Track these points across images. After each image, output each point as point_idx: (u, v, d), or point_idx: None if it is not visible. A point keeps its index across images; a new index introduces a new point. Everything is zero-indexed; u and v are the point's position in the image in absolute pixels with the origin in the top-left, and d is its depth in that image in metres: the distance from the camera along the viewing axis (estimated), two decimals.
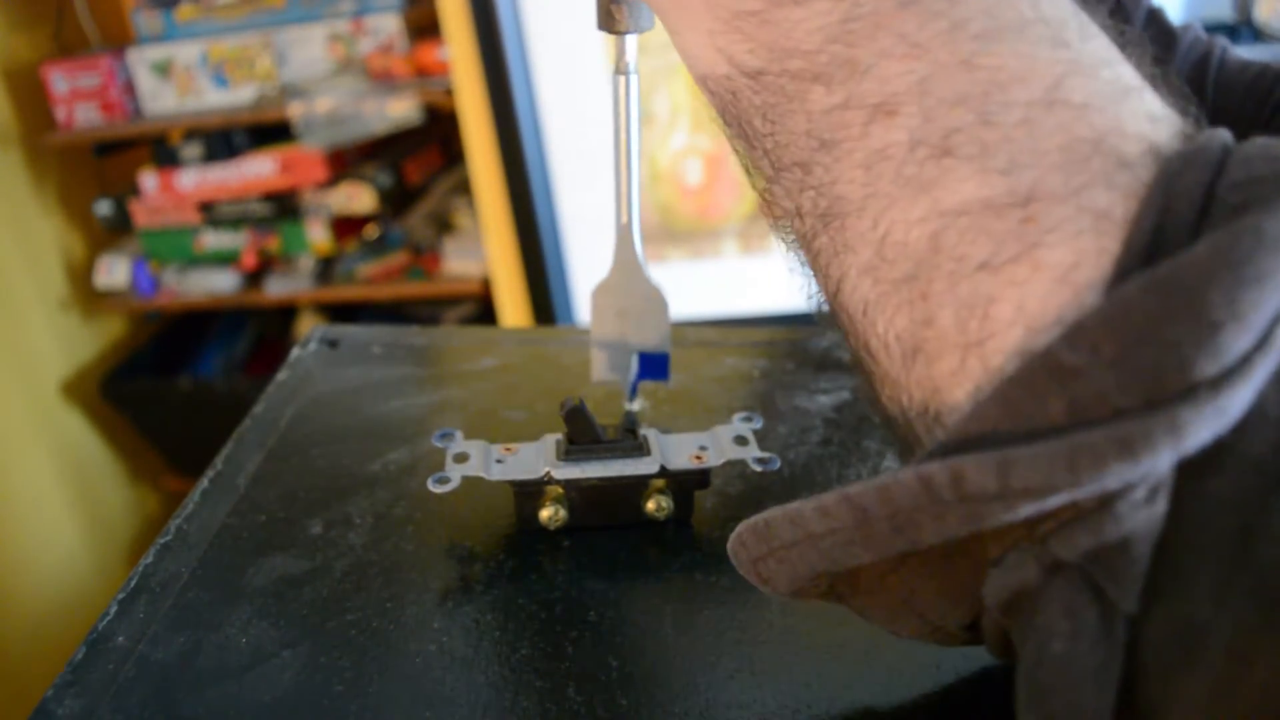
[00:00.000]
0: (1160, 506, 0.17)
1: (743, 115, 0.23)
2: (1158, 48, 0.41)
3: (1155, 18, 0.41)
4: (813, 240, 0.22)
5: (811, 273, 0.23)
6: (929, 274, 0.19)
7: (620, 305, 0.38)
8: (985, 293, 0.18)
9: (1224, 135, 0.19)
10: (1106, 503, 0.16)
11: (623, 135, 0.35)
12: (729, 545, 0.22)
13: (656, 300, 0.38)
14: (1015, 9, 0.20)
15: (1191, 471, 0.16)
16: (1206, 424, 0.16)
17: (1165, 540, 0.17)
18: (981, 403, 0.17)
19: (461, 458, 0.34)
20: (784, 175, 0.22)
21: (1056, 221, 0.18)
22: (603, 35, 0.31)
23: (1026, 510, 0.17)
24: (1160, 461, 0.16)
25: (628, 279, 0.38)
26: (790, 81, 0.21)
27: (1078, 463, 0.16)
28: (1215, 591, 0.16)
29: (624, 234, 0.37)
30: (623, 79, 0.34)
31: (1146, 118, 0.19)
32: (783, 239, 0.25)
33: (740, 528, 0.21)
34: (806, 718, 0.27)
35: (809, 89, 0.21)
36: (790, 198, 0.22)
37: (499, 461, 0.34)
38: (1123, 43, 0.21)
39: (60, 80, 1.49)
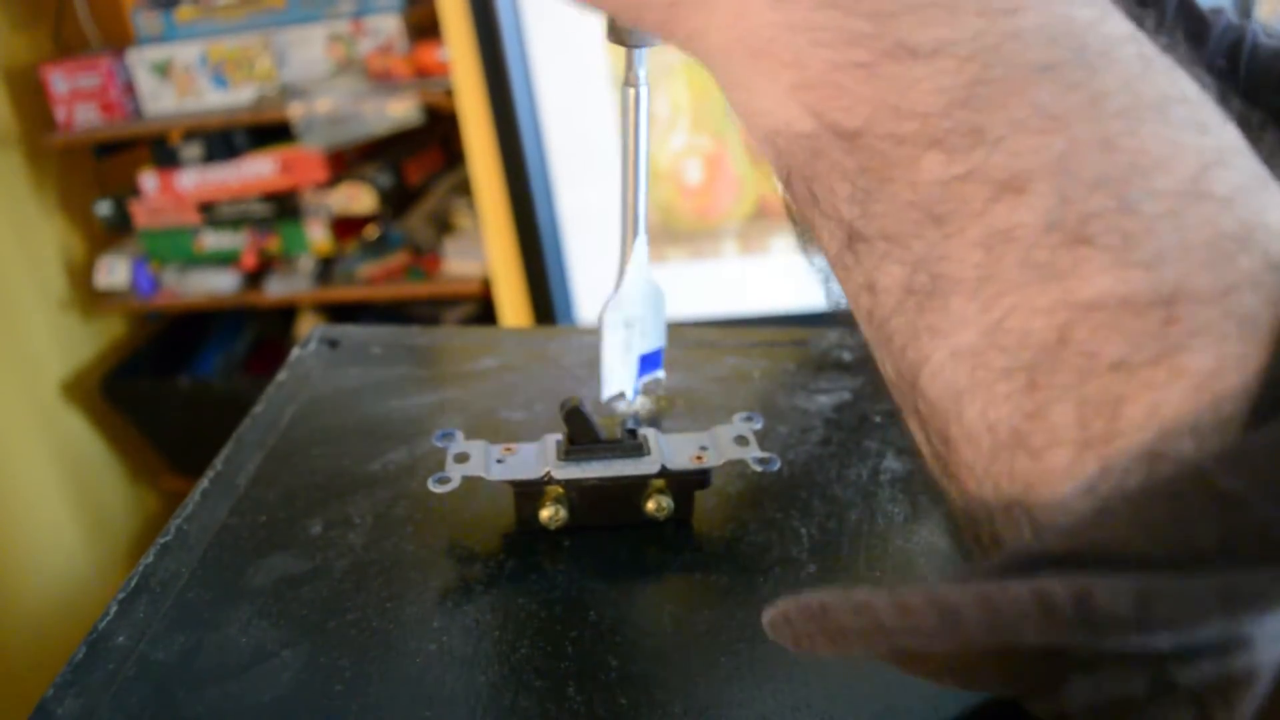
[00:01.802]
0: None
1: (818, 176, 0.21)
2: (1191, 34, 0.40)
3: (1186, 3, 0.40)
4: (890, 318, 0.20)
5: (879, 351, 0.21)
6: (1050, 366, 0.18)
7: (627, 316, 0.38)
8: (1116, 393, 0.17)
9: None
10: (1244, 638, 0.15)
11: (631, 148, 0.34)
12: (767, 620, 0.19)
13: (656, 299, 0.38)
14: (1156, 85, 0.18)
15: None
16: None
17: None
18: (1107, 513, 0.16)
19: (462, 457, 0.34)
20: (863, 246, 0.20)
21: (1202, 325, 0.17)
22: (603, 36, 0.31)
23: (1162, 643, 0.15)
24: None
25: (635, 291, 0.38)
26: (897, 146, 0.19)
27: (1236, 604, 0.14)
28: None
29: (631, 248, 0.37)
30: (631, 91, 0.33)
31: None
32: (830, 301, 0.23)
33: (785, 605, 0.19)
34: (806, 718, 0.27)
35: (921, 156, 0.19)
36: (864, 271, 0.20)
37: (499, 461, 0.34)
38: (1244, 125, 0.19)
39: (60, 81, 1.49)
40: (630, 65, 0.33)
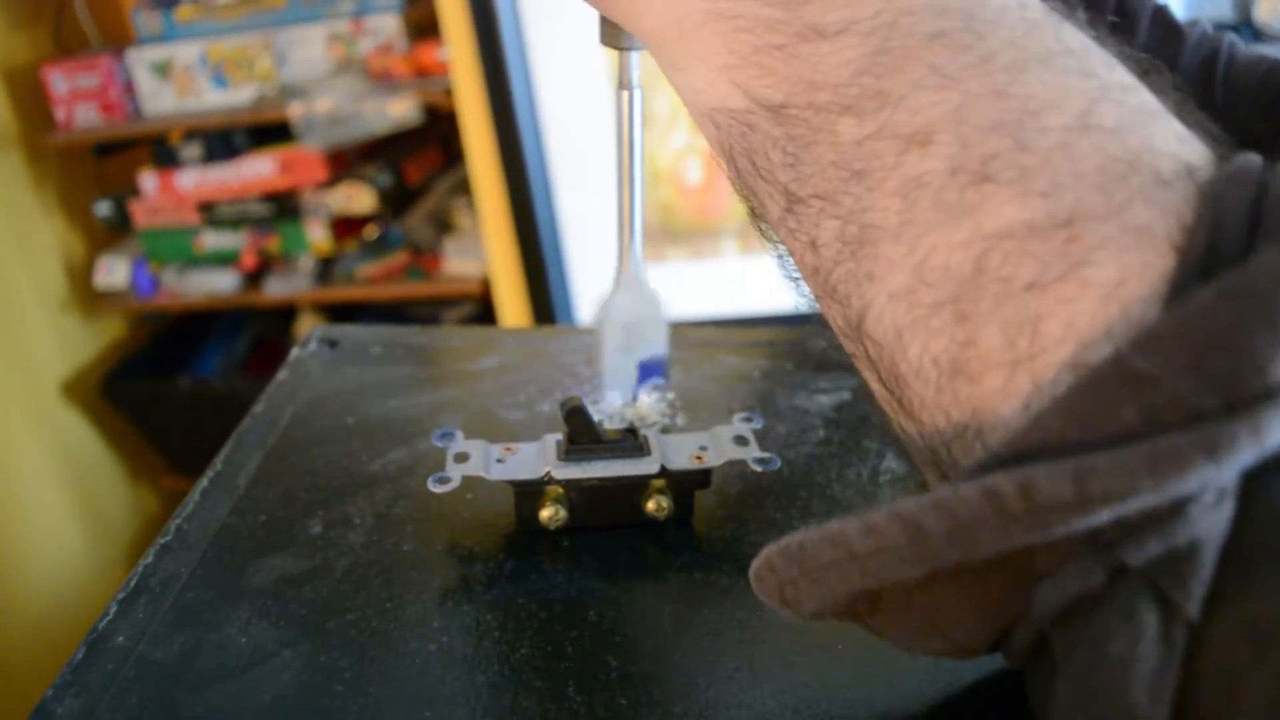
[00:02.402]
0: (1226, 510, 0.17)
1: (755, 148, 0.23)
2: (1163, 45, 0.41)
3: (1161, 15, 0.41)
4: (832, 270, 0.22)
5: (827, 305, 0.23)
6: (973, 295, 0.19)
7: (625, 320, 0.38)
8: (1034, 311, 0.18)
9: (1257, 157, 0.19)
10: (1178, 507, 0.17)
11: (626, 151, 0.34)
12: (752, 571, 0.21)
13: (656, 307, 0.38)
14: (1041, 41, 0.20)
15: (1256, 474, 0.17)
16: None
17: (1231, 543, 0.17)
18: (1042, 413, 0.17)
19: (462, 457, 0.34)
20: (800, 207, 0.22)
21: (1100, 240, 0.18)
22: (597, 19, 0.31)
23: (1104, 517, 0.16)
24: (1241, 462, 0.16)
25: (631, 295, 0.38)
26: (816, 114, 0.21)
27: (1161, 466, 0.16)
28: None
29: (628, 251, 0.37)
30: (626, 94, 0.33)
31: (1176, 138, 0.20)
32: (786, 272, 0.25)
33: (767, 551, 0.21)
34: (806, 718, 0.27)
35: (837, 121, 0.21)
36: (805, 230, 0.22)
37: (499, 461, 0.34)
38: (1142, 71, 0.21)
39: (60, 81, 1.49)
40: (624, 69, 0.33)
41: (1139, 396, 0.16)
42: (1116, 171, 0.19)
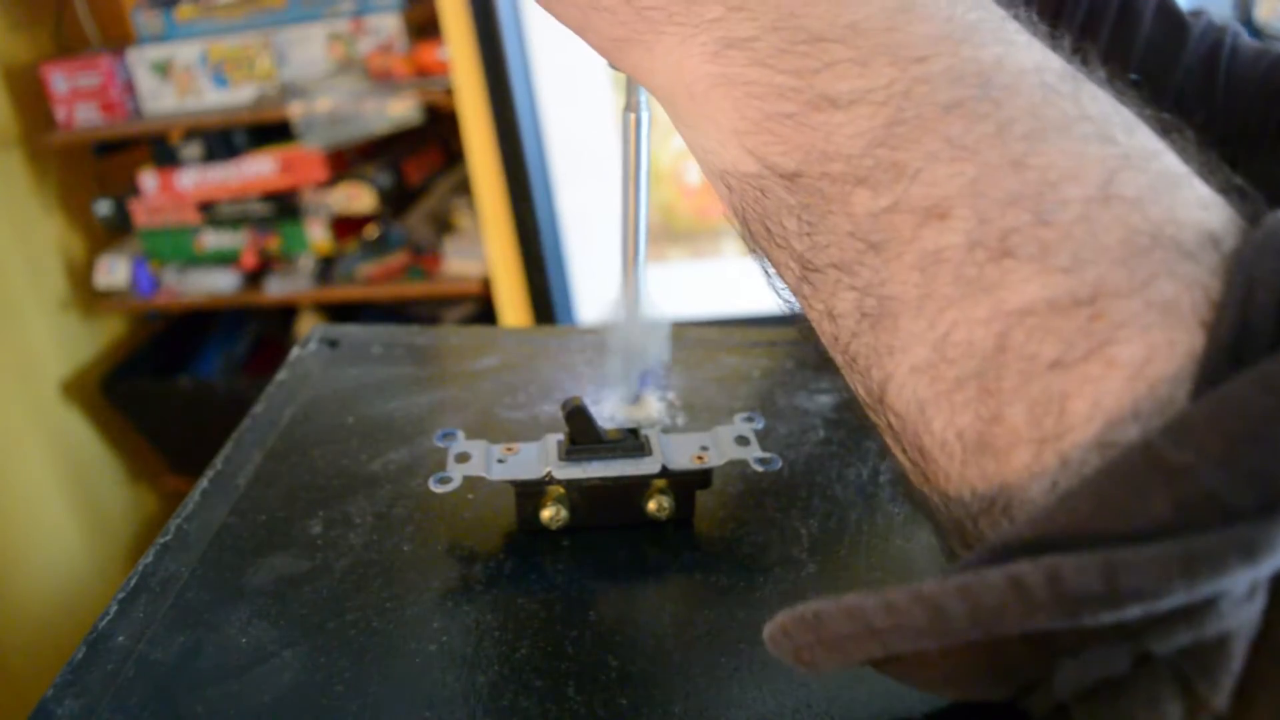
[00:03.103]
0: (1259, 603, 0.16)
1: (769, 214, 0.22)
2: (1168, 38, 0.40)
3: (1165, 8, 0.41)
4: (851, 341, 0.22)
5: (848, 373, 0.23)
6: (997, 372, 0.19)
7: (627, 338, 0.38)
8: (1059, 390, 0.18)
9: None
10: (1209, 602, 0.16)
11: (631, 172, 0.34)
12: (767, 634, 0.20)
13: (656, 322, 0.38)
14: (1058, 108, 0.20)
15: None
16: None
17: (1267, 631, 0.16)
18: (1070, 496, 0.17)
19: (463, 457, 0.34)
20: (816, 276, 0.22)
21: (1125, 317, 0.18)
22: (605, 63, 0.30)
23: (1133, 613, 0.16)
24: (1278, 563, 0.15)
25: (635, 313, 0.38)
26: (831, 184, 0.21)
27: (1195, 568, 0.15)
28: None
29: (632, 268, 0.36)
30: (632, 116, 0.33)
31: (1199, 205, 0.19)
32: (802, 334, 0.24)
33: (782, 618, 0.20)
34: (806, 718, 0.27)
35: (852, 192, 0.20)
36: (821, 299, 0.22)
37: (500, 461, 0.34)
38: (1164, 129, 0.21)
39: (60, 80, 1.49)
40: (631, 90, 0.32)
41: (1171, 488, 0.16)
42: (1140, 245, 0.18)
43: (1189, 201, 0.19)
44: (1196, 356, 0.17)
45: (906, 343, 0.20)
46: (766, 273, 0.24)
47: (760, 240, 0.23)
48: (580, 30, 0.25)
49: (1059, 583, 0.16)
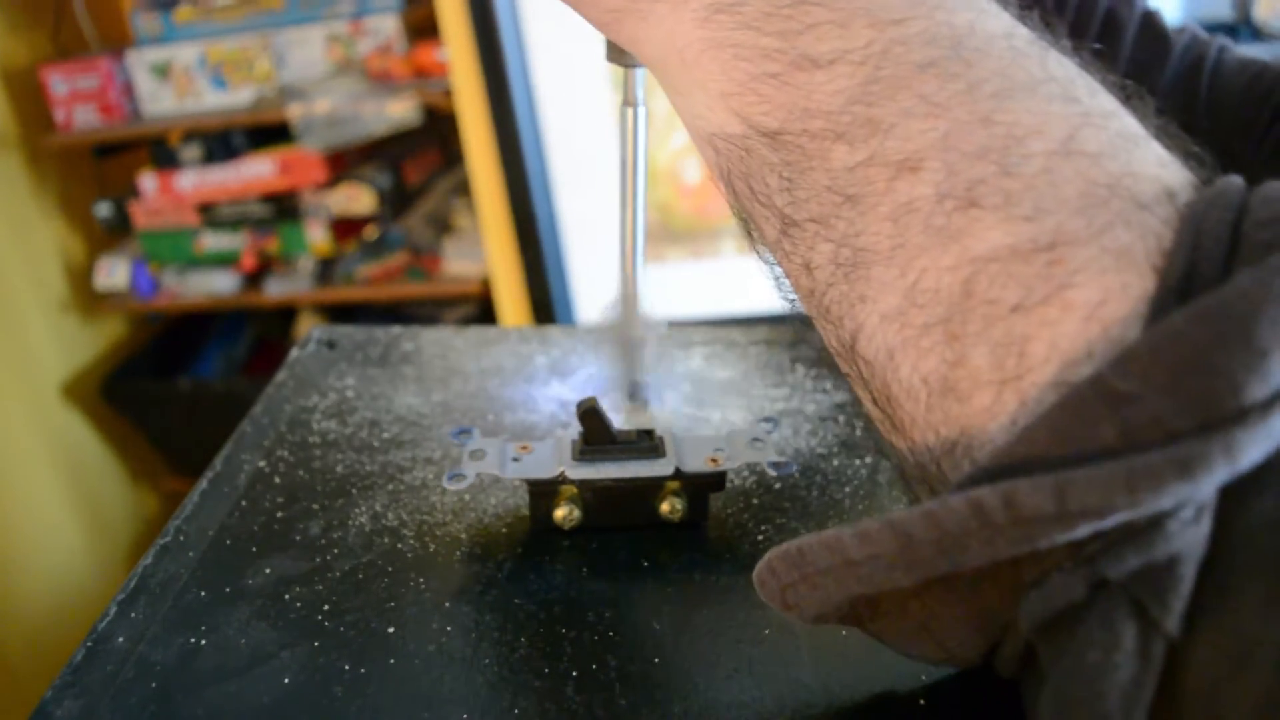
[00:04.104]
0: (1205, 526, 0.17)
1: (752, 172, 0.23)
2: (1150, 54, 0.41)
3: (1150, 21, 0.41)
4: (826, 292, 0.23)
5: (821, 325, 0.24)
6: (962, 317, 0.20)
7: (626, 336, 0.38)
8: (1020, 332, 0.19)
9: (1238, 179, 0.20)
10: (1156, 522, 0.17)
11: (630, 167, 0.34)
12: (756, 573, 0.22)
13: (655, 328, 0.38)
14: (1026, 70, 0.21)
15: (1235, 492, 0.17)
16: (1258, 445, 0.16)
17: (1210, 560, 0.17)
18: (1027, 429, 0.18)
19: (478, 455, 0.34)
20: (795, 230, 0.23)
21: (1082, 262, 0.19)
22: (602, 36, 0.30)
23: (1083, 531, 0.17)
24: (1215, 481, 0.16)
25: (633, 311, 0.38)
26: (810, 141, 0.22)
27: (1137, 483, 0.16)
28: (1264, 606, 0.16)
29: (630, 266, 0.36)
30: (630, 111, 0.33)
31: (1156, 163, 0.20)
32: (783, 294, 0.25)
33: (770, 555, 0.21)
34: (806, 718, 0.27)
35: (831, 147, 0.21)
36: (800, 253, 0.23)
37: (515, 460, 0.34)
38: (1125, 97, 0.22)
39: (59, 82, 1.49)
40: (629, 85, 0.32)
41: (1118, 415, 0.17)
42: (1098, 196, 0.19)
43: (1146, 159, 0.20)
44: (1148, 299, 0.18)
45: (878, 291, 0.21)
46: (749, 234, 0.25)
47: (744, 200, 0.24)
48: (578, 4, 0.26)
49: (1014, 503, 0.17)
